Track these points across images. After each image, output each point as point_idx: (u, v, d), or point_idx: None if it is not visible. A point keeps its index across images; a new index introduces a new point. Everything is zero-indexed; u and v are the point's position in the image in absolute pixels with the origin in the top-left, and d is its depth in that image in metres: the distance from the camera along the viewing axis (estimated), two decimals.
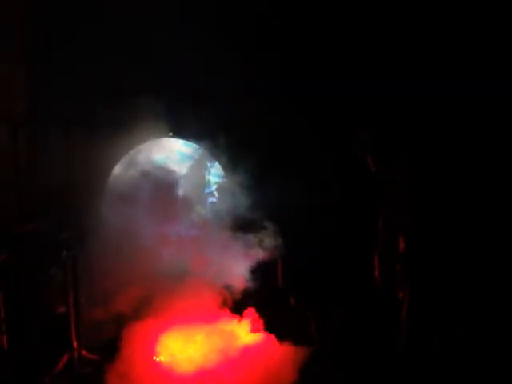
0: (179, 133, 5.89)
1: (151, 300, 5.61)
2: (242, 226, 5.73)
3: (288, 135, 5.91)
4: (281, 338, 5.40)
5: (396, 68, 5.73)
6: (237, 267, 5.68)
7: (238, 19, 5.97)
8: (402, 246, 4.92)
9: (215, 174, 6.04)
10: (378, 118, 5.20)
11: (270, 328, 5.48)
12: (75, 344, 5.42)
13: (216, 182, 6.02)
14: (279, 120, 5.90)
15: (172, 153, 5.95)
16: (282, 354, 5.32)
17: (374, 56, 5.86)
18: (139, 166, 5.81)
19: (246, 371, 5.22)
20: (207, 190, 6.00)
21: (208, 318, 5.59)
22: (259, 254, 5.67)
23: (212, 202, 6.00)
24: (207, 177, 6.01)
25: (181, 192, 5.79)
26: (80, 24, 5.75)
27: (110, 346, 5.47)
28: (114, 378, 5.21)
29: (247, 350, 5.39)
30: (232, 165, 5.86)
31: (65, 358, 5.39)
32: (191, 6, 5.90)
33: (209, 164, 5.99)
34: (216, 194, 5.99)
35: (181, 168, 5.92)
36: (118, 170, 5.86)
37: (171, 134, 5.87)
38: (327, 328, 5.35)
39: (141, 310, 5.60)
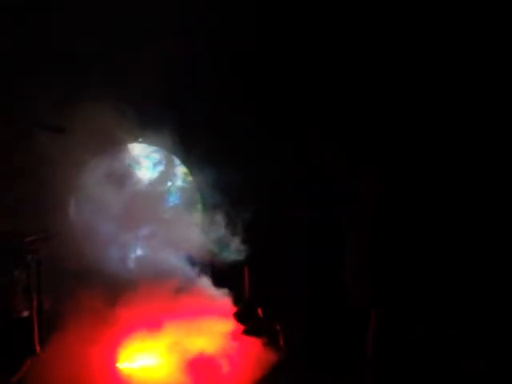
0: (148, 138, 5.75)
1: (116, 302, 5.53)
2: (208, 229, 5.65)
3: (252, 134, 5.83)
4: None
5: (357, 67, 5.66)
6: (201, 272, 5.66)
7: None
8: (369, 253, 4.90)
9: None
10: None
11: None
12: (38, 349, 5.32)
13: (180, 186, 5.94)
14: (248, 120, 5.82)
15: (140, 158, 5.82)
16: (250, 364, 5.32)
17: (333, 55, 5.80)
18: (107, 171, 5.68)
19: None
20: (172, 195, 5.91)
21: (177, 321, 5.51)
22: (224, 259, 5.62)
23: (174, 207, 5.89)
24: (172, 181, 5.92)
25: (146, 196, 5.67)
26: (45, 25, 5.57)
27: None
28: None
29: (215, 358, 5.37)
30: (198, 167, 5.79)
31: (28, 364, 5.29)
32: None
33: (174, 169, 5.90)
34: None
35: (149, 173, 5.80)
36: (85, 173, 5.70)
37: (140, 139, 5.76)
38: (295, 340, 5.32)
39: (105, 312, 5.51)
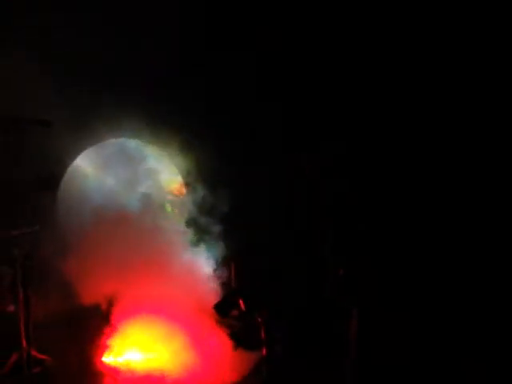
0: (137, 133, 5.74)
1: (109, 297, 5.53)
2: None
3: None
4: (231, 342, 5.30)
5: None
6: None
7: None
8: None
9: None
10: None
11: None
12: (24, 343, 5.32)
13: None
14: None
15: (128, 153, 5.82)
16: (232, 359, 5.23)
17: None
18: (95, 166, 5.69)
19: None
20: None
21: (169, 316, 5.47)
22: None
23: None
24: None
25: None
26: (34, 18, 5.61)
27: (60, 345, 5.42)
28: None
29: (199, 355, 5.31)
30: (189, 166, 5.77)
31: (14, 358, 5.29)
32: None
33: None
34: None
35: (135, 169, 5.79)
36: (73, 167, 5.73)
37: (129, 134, 5.76)
38: (277, 333, 5.19)
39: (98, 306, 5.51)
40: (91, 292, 5.48)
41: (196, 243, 5.66)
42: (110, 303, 5.50)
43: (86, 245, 5.49)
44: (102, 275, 5.44)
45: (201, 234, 5.67)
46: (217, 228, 5.64)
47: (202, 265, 5.63)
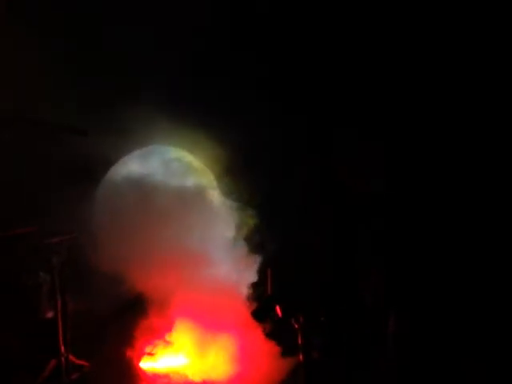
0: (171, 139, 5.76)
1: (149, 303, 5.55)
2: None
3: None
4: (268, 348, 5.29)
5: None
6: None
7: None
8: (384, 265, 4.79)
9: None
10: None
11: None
12: (63, 349, 5.37)
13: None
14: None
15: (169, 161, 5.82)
16: (268, 366, 5.22)
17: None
18: (132, 173, 5.72)
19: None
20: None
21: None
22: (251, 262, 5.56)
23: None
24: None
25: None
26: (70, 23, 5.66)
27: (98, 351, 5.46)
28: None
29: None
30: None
31: (52, 364, 5.34)
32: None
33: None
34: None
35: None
36: (111, 174, 5.76)
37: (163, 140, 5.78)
38: (314, 339, 5.17)
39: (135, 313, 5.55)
40: (130, 293, 5.54)
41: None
42: (149, 305, 5.55)
43: (120, 242, 5.53)
44: (141, 274, 5.50)
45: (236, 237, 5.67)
46: (251, 230, 5.65)
47: (240, 270, 5.62)
